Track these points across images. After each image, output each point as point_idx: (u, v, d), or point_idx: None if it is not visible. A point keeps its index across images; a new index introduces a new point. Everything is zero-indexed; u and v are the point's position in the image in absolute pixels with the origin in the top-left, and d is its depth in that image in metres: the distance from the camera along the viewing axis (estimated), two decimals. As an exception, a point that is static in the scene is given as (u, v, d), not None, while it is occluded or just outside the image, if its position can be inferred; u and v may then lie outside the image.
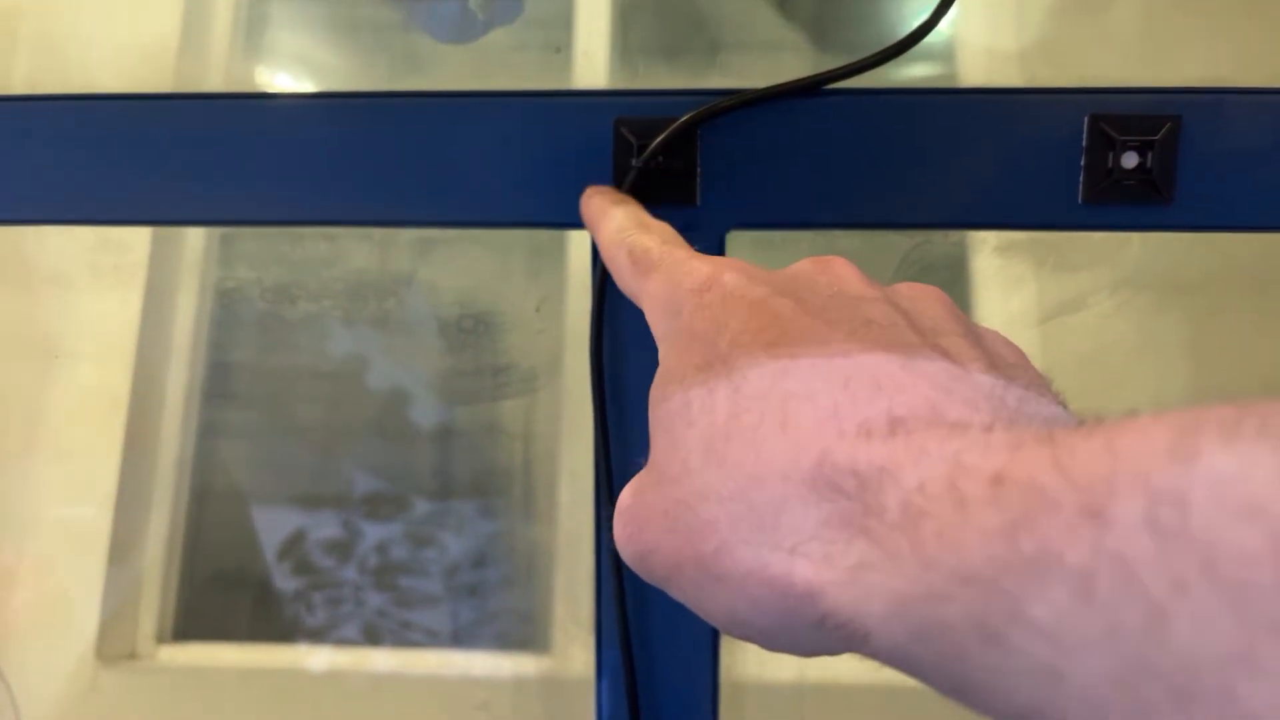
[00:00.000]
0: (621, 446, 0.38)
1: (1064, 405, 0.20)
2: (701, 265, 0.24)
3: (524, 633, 1.01)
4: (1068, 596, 0.13)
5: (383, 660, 1.01)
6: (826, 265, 0.24)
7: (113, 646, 0.93)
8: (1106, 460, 0.14)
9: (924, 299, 0.23)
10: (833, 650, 0.18)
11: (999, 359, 0.21)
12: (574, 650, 0.99)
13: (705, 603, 0.20)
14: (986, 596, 0.15)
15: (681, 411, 0.21)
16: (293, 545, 1.04)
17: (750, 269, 0.24)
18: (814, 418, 0.18)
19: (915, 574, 0.16)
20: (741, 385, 0.20)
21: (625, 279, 0.28)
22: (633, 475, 0.40)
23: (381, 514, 0.97)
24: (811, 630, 0.18)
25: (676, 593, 0.21)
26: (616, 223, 0.30)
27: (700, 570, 0.19)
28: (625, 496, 0.23)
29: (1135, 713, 0.13)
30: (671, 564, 0.20)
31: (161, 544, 0.89)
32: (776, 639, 0.19)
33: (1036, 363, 0.23)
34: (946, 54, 0.70)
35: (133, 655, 0.94)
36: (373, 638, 1.01)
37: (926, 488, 0.16)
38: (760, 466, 0.18)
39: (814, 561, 0.17)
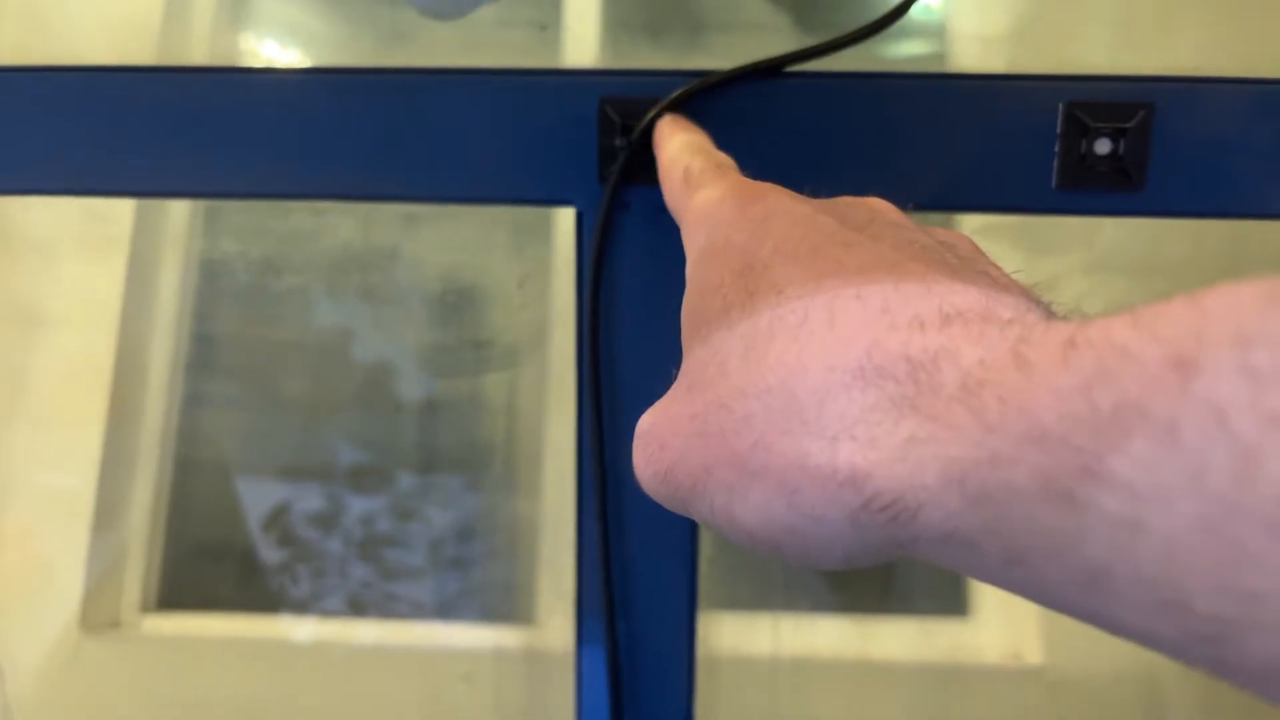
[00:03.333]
0: (611, 418, 0.39)
1: None
2: (748, 183, 0.25)
3: (507, 605, 1.01)
4: (1150, 447, 0.13)
5: (366, 632, 1.01)
6: (865, 199, 0.24)
7: (96, 616, 0.93)
8: (1193, 315, 0.14)
9: (957, 236, 0.24)
10: (870, 550, 0.18)
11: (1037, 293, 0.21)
12: (556, 622, 1.00)
13: (737, 507, 0.19)
14: (1059, 454, 0.14)
15: (719, 317, 0.21)
16: (277, 517, 1.04)
17: (794, 193, 0.24)
18: (863, 315, 0.18)
19: (976, 439, 0.15)
20: (785, 288, 0.19)
21: (674, 196, 0.28)
22: (620, 449, 0.40)
23: (366, 487, 0.97)
24: (850, 524, 0.17)
25: (703, 505, 0.20)
26: (679, 143, 0.31)
27: (735, 469, 0.19)
28: (644, 420, 0.22)
29: (1222, 550, 0.13)
30: (700, 470, 0.20)
31: (145, 513, 0.89)
32: (812, 542, 0.18)
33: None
34: (931, 36, 0.70)
35: (116, 624, 0.94)
36: (358, 609, 1.01)
37: (988, 362, 0.16)
38: (804, 359, 0.18)
39: (859, 444, 0.17)
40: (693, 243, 0.24)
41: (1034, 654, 0.96)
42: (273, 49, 0.75)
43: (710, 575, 0.94)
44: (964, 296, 0.18)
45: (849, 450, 0.17)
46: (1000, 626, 1.00)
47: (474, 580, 1.05)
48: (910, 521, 0.16)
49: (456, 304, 0.82)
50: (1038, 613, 0.98)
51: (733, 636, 0.97)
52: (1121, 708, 0.91)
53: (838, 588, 1.04)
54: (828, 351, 0.18)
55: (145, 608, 0.96)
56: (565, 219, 0.72)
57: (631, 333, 0.40)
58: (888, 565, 1.05)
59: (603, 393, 0.39)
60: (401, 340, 0.86)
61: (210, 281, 0.81)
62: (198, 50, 0.72)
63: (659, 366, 0.42)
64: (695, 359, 0.21)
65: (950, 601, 1.03)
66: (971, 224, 0.63)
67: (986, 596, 1.01)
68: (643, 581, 0.39)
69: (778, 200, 0.23)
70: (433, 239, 0.78)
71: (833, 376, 0.18)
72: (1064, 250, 0.58)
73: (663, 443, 0.21)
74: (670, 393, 0.22)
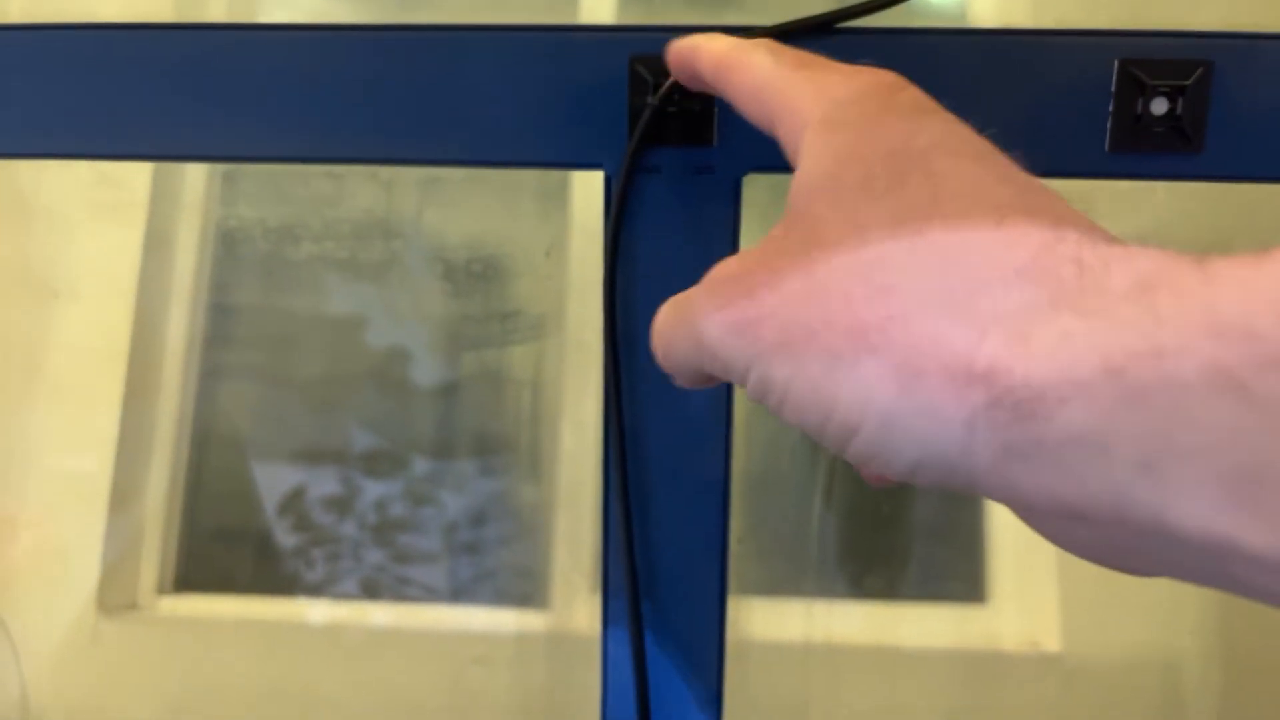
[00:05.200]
0: (632, 393, 0.37)
1: None
2: (871, 68, 0.23)
3: (524, 588, 1.00)
4: None
5: (381, 615, 1.00)
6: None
7: (114, 597, 0.92)
8: None
9: None
10: (948, 462, 0.17)
11: None
12: (572, 606, 0.99)
13: (836, 378, 0.17)
14: (1239, 346, 0.14)
15: (860, 186, 0.19)
16: (294, 499, 1.03)
17: None
18: (1034, 226, 0.17)
19: (1144, 331, 0.15)
20: (945, 182, 0.19)
21: (761, 73, 0.24)
22: (641, 423, 0.38)
23: (380, 471, 0.96)
24: (962, 425, 0.16)
25: (782, 369, 0.18)
26: (729, 38, 0.27)
27: (851, 337, 0.17)
28: (729, 265, 0.21)
29: None
30: (800, 330, 0.18)
31: (162, 494, 0.88)
32: (900, 436, 0.17)
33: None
34: None
35: (133, 606, 0.93)
36: (371, 592, 1.00)
37: (1169, 267, 0.16)
38: (967, 246, 0.17)
39: (1008, 338, 0.16)
40: (815, 113, 0.22)
41: (1052, 641, 0.95)
42: (293, 7, 0.73)
43: (739, 557, 0.93)
44: (1103, 231, 0.18)
45: (996, 343, 0.16)
46: (1018, 613, 0.98)
47: (490, 562, 1.03)
48: (1045, 419, 0.15)
49: (481, 274, 0.80)
50: (1056, 599, 0.96)
51: (762, 624, 0.96)
52: (1140, 695, 0.90)
53: (862, 571, 1.02)
54: (992, 244, 0.17)
55: (162, 589, 0.95)
56: (582, 186, 0.70)
57: (656, 304, 0.38)
58: (910, 548, 1.03)
59: (622, 367, 0.37)
60: (423, 310, 0.84)
61: (228, 250, 0.79)
62: (216, 7, 0.70)
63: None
64: (817, 217, 0.20)
65: (969, 587, 1.01)
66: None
67: (1005, 583, 0.99)
68: (670, 559, 0.37)
69: (924, 96, 0.22)
70: (454, 206, 0.76)
71: (994, 270, 0.17)
72: (1114, 219, 0.56)
73: (754, 291, 0.19)
74: (769, 245, 0.20)
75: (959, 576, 1.02)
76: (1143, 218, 0.62)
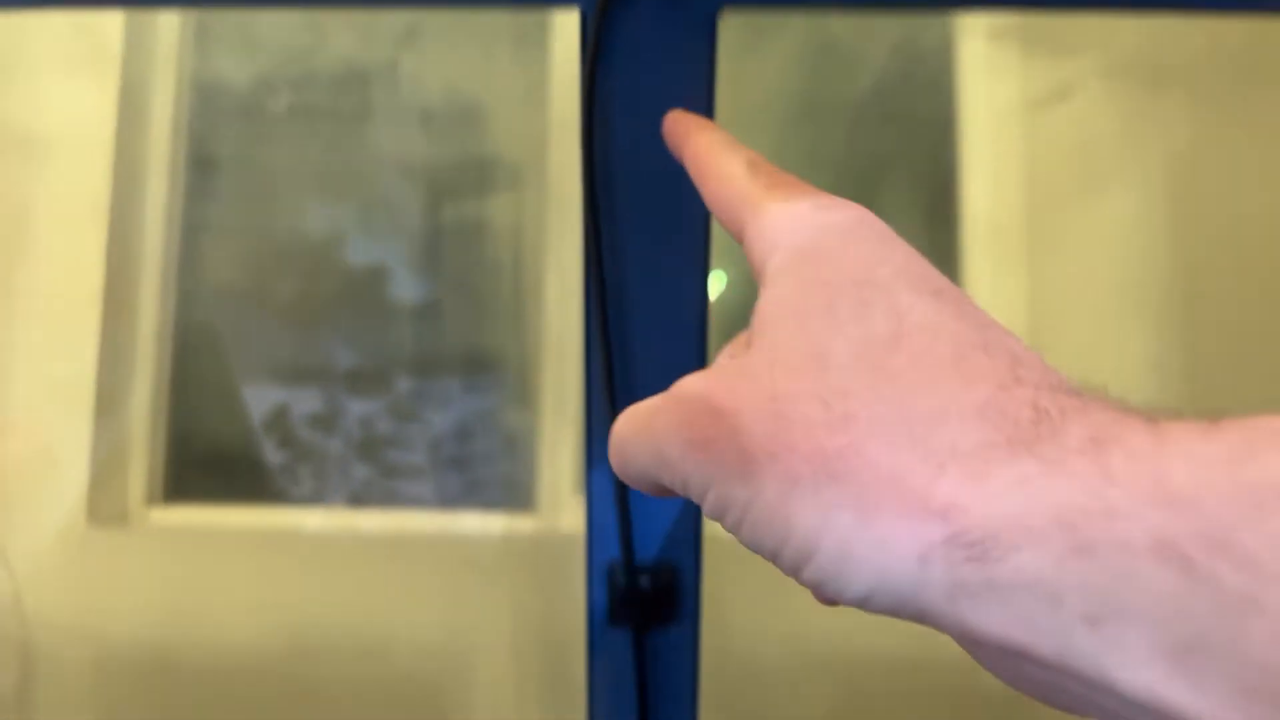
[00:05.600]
0: (611, 228, 0.37)
1: None
2: (843, 200, 0.23)
3: (510, 494, 1.01)
4: None
5: (373, 521, 1.01)
6: None
7: (103, 508, 0.92)
8: None
9: None
10: (902, 596, 0.17)
11: None
12: (558, 509, 1.00)
13: (793, 504, 0.17)
14: (1185, 519, 0.14)
15: (826, 311, 0.20)
16: (277, 418, 1.03)
17: None
18: (990, 365, 0.18)
19: (1096, 489, 0.15)
20: (907, 314, 0.19)
21: (735, 186, 0.25)
22: (621, 260, 0.39)
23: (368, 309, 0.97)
24: (916, 559, 0.16)
25: (741, 491, 0.18)
26: (719, 134, 0.28)
27: (812, 464, 0.17)
28: (694, 381, 0.21)
29: None
30: (762, 453, 0.18)
31: (146, 401, 0.88)
32: (854, 565, 0.17)
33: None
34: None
35: (123, 517, 0.94)
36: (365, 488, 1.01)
37: (1121, 423, 0.16)
38: (927, 381, 0.18)
39: (965, 477, 0.16)
40: (784, 238, 0.22)
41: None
42: None
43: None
44: (1057, 374, 0.18)
45: (953, 480, 0.16)
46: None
47: (482, 406, 1.05)
48: (995, 562, 0.16)
49: (459, 119, 0.79)
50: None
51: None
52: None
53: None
54: (952, 381, 0.18)
55: (151, 501, 0.96)
56: (564, 28, 0.68)
57: (633, 143, 0.39)
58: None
59: (600, 205, 0.37)
60: (403, 158, 0.83)
61: (205, 102, 0.77)
62: None
63: (660, 183, 0.40)
64: (780, 341, 0.20)
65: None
66: (984, 28, 0.60)
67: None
68: (649, 379, 0.38)
69: (887, 228, 0.22)
70: (432, 54, 0.74)
71: (952, 406, 0.17)
72: (1078, 53, 0.56)
73: (717, 411, 0.19)
74: (732, 365, 0.20)
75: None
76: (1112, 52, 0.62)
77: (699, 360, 0.39)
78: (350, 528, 0.98)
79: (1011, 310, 0.91)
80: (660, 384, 0.40)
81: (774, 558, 0.18)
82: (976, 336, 0.19)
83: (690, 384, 0.21)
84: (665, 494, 0.21)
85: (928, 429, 0.17)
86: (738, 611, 0.88)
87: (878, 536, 0.17)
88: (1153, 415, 0.16)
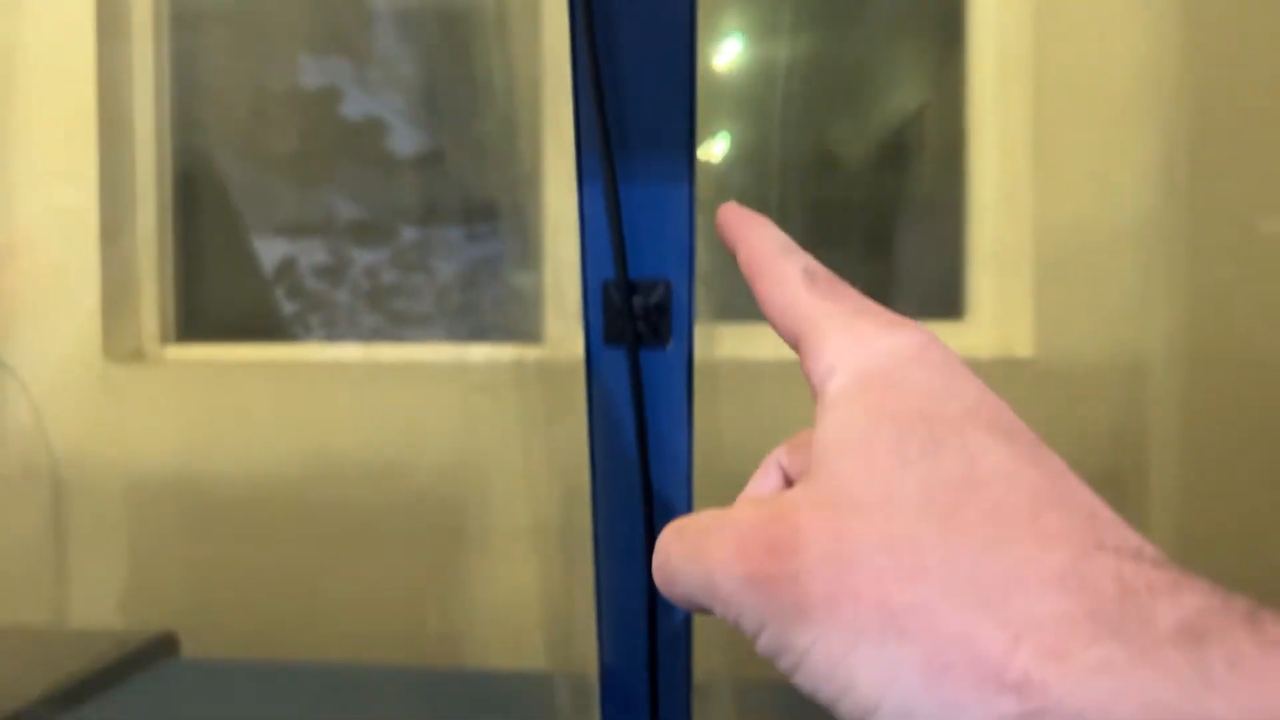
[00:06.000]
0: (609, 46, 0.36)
1: None
2: (906, 320, 0.21)
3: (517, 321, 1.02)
4: None
5: (388, 353, 1.03)
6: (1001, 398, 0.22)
7: (119, 346, 0.94)
8: None
9: None
10: None
11: None
12: (563, 339, 1.02)
13: (852, 659, 0.17)
14: None
15: (894, 446, 0.18)
16: (284, 272, 1.04)
17: None
18: (1069, 521, 0.17)
19: (1195, 694, 0.14)
20: (979, 458, 0.18)
21: (791, 294, 0.23)
22: (623, 76, 0.37)
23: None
24: None
25: (801, 636, 0.17)
26: (774, 233, 0.26)
27: (879, 616, 0.16)
28: (751, 512, 0.19)
29: None
30: (823, 599, 0.17)
31: (151, 232, 0.88)
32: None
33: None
34: None
35: (139, 354, 0.96)
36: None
37: (1219, 614, 0.15)
38: (1001, 538, 0.16)
39: (1043, 651, 0.15)
40: (845, 359, 0.21)
41: (1025, 348, 0.98)
42: None
43: (709, 285, 0.95)
44: (1138, 537, 0.17)
45: (1030, 653, 0.15)
46: (994, 325, 1.01)
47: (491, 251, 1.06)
48: None
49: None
50: (1031, 309, 0.99)
51: (732, 345, 0.99)
52: (1106, 395, 0.94)
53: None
54: (1028, 540, 0.16)
55: (165, 340, 0.98)
56: None
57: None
58: (887, 267, 1.05)
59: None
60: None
61: None
62: None
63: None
64: (845, 476, 0.19)
65: (946, 305, 1.04)
66: None
67: (984, 297, 1.02)
68: (639, 114, 0.37)
69: (956, 358, 0.21)
70: None
71: (1029, 568, 0.16)
72: None
73: (776, 547, 0.18)
74: (794, 497, 0.19)
75: (936, 294, 1.04)
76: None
77: (689, 62, 0.37)
78: (365, 358, 1.00)
79: (1018, 112, 0.89)
80: (650, 97, 0.39)
81: (830, 705, 0.17)
82: (1052, 489, 0.17)
83: (747, 513, 0.19)
84: (706, 612, 0.20)
85: (1003, 592, 0.16)
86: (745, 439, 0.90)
87: (945, 700, 0.16)
88: (1251, 608, 0.15)
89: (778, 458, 0.24)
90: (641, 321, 0.35)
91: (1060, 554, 0.16)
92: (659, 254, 0.36)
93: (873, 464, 0.18)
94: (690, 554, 0.20)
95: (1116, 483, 0.92)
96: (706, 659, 0.37)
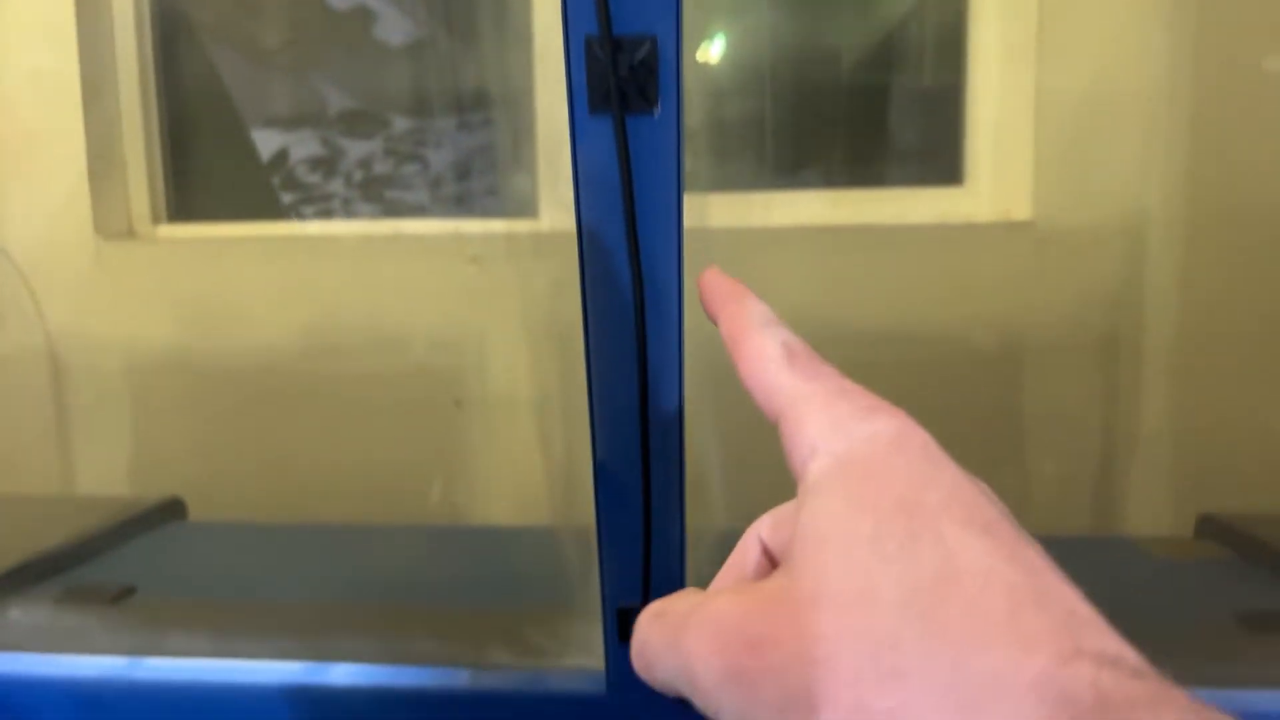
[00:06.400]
0: None
1: None
2: (886, 403, 0.21)
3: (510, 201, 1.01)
4: None
5: (384, 228, 1.02)
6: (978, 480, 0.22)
7: (110, 223, 0.93)
8: None
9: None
10: None
11: None
12: (555, 214, 1.01)
13: None
14: None
15: (872, 539, 0.18)
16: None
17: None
18: (1047, 623, 0.17)
19: None
20: (957, 553, 0.18)
21: (771, 372, 0.23)
22: None
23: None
24: None
25: None
26: (754, 307, 0.26)
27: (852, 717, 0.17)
28: (727, 604, 0.19)
29: None
30: (803, 696, 0.17)
31: (135, 95, 0.86)
32: None
33: None
34: None
35: (131, 232, 0.95)
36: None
37: None
38: (979, 640, 0.16)
39: None
40: (824, 443, 0.21)
41: (1023, 212, 0.97)
42: None
43: (697, 158, 0.94)
44: (1116, 640, 0.17)
45: None
46: (993, 190, 1.00)
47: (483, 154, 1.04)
48: None
49: None
50: (1031, 173, 0.98)
51: (724, 214, 0.98)
52: (1105, 258, 0.93)
53: (831, 161, 1.03)
54: (1007, 642, 0.16)
55: (157, 220, 0.97)
56: None
57: None
58: (883, 135, 1.04)
59: None
60: None
61: None
62: None
63: None
64: (823, 568, 0.19)
65: (945, 170, 1.03)
66: None
67: (982, 162, 1.01)
68: None
69: (936, 446, 0.20)
70: None
71: (1007, 674, 0.16)
72: None
73: (756, 642, 0.18)
74: (772, 589, 0.19)
75: (935, 160, 1.03)
76: None
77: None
78: (362, 233, 1.00)
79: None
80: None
81: None
82: (1030, 585, 0.17)
83: (727, 604, 0.19)
84: (682, 699, 0.21)
85: (981, 698, 0.16)
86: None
87: None
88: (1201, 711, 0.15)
89: (759, 531, 0.24)
90: (627, 83, 0.34)
91: (1038, 658, 0.16)
92: (644, 7, 0.34)
93: (851, 559, 0.18)
94: (669, 642, 0.20)
95: (1113, 346, 0.93)
96: (697, 512, 0.37)
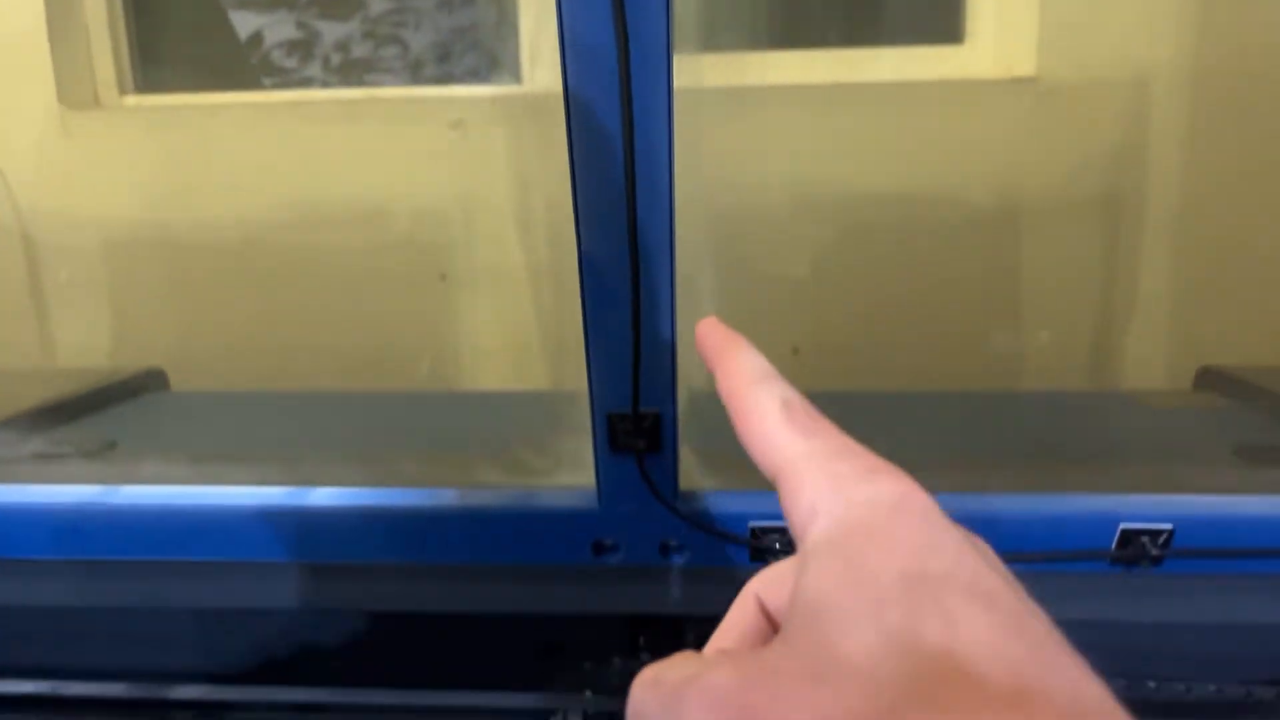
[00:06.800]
0: None
1: None
2: (886, 464, 0.21)
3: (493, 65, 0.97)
4: None
5: (358, 94, 0.98)
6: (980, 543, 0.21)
7: (75, 92, 0.89)
8: None
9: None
10: None
11: None
12: (539, 75, 0.97)
13: None
14: None
15: (874, 610, 0.18)
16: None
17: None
18: (1050, 703, 0.16)
19: None
20: (960, 626, 0.18)
21: (770, 429, 0.23)
22: None
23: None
24: None
25: None
26: (751, 360, 0.25)
27: None
28: (727, 675, 0.19)
29: None
30: None
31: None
32: None
33: None
34: None
35: (96, 101, 0.91)
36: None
37: None
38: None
39: None
40: (824, 505, 0.21)
41: (1026, 67, 0.94)
42: None
43: (690, 16, 0.90)
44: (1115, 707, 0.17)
45: None
46: (995, 46, 0.96)
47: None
48: None
49: None
50: (1035, 29, 0.95)
51: (718, 74, 0.94)
52: (1108, 112, 0.91)
53: (831, 19, 0.99)
54: None
55: (124, 90, 0.93)
56: None
57: None
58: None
59: None
60: None
61: None
62: None
63: None
64: (824, 637, 0.18)
65: (947, 28, 0.99)
66: None
67: (985, 19, 0.97)
68: None
69: (931, 502, 0.20)
70: None
71: None
72: None
73: (755, 716, 0.18)
74: (771, 660, 0.19)
75: (936, 17, 0.99)
76: None
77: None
78: (340, 98, 0.96)
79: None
80: None
81: None
82: (1034, 661, 0.17)
83: (724, 674, 0.19)
84: None
85: None
86: (742, 163, 0.88)
87: None
88: None
89: (755, 590, 0.23)
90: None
91: None
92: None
93: (851, 628, 0.18)
94: (666, 711, 0.20)
95: (1115, 204, 0.90)
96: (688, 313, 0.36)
